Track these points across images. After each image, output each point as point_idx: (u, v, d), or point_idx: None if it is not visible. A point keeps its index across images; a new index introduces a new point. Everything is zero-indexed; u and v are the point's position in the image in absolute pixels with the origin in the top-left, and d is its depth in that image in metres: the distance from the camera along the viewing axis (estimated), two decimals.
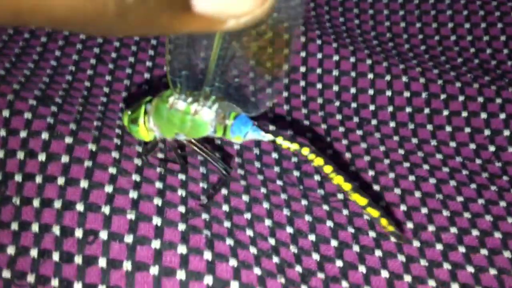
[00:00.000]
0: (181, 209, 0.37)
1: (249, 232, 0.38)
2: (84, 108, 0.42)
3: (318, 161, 0.33)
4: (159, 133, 0.31)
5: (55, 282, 0.33)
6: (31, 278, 0.33)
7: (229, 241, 0.36)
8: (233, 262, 0.35)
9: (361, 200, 0.34)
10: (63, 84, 0.45)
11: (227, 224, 0.37)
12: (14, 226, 0.35)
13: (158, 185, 0.38)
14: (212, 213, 0.38)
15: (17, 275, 0.34)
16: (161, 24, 0.13)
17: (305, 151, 0.32)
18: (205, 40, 0.28)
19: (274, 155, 0.44)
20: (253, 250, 0.36)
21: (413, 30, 0.56)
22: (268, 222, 0.39)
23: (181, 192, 0.38)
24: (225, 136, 0.31)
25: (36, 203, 0.35)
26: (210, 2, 0.12)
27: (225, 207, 0.38)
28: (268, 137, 0.32)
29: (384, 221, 0.35)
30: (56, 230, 0.34)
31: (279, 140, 0.32)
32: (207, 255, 0.34)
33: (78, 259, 0.34)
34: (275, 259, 0.37)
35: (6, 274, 0.34)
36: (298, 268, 0.37)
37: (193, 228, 0.36)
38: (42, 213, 0.35)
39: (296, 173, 0.43)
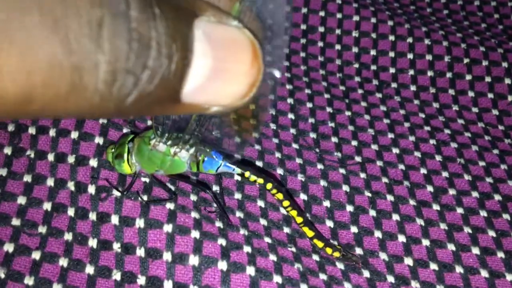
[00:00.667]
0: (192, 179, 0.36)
1: (260, 203, 0.37)
2: None
3: (279, 196, 0.35)
4: (140, 168, 0.34)
5: (68, 235, 0.32)
6: (42, 229, 0.33)
7: (239, 214, 0.35)
8: (243, 231, 0.34)
9: (309, 232, 0.35)
10: None
11: (237, 195, 0.37)
12: (27, 178, 0.34)
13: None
14: (223, 183, 0.37)
15: (27, 224, 0.33)
16: (155, 112, 0.15)
17: (269, 186, 0.35)
18: None
19: (291, 116, 0.43)
20: (263, 222, 0.36)
21: None
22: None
23: None
24: (199, 170, 0.34)
25: (51, 157, 0.34)
26: (198, 98, 0.14)
27: (237, 177, 0.37)
28: (237, 170, 0.35)
29: (329, 250, 0.35)
30: (71, 185, 0.34)
31: (247, 173, 0.35)
32: (219, 224, 0.34)
33: (92, 216, 0.33)
34: (286, 230, 0.36)
35: (16, 222, 0.33)
36: None
37: (204, 200, 0.35)
38: (57, 168, 0.34)
39: (312, 135, 0.42)
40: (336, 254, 0.35)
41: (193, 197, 0.35)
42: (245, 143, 0.30)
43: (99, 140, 0.35)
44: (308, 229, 0.35)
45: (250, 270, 0.31)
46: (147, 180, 0.34)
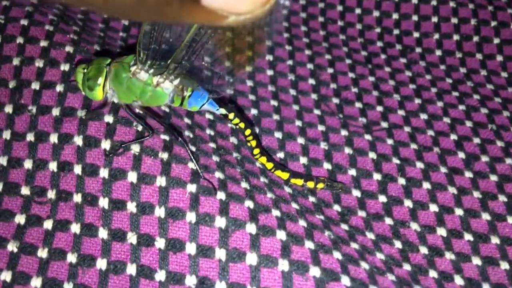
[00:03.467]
0: (213, 145, 0.34)
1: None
2: (106, 34, 0.39)
3: (253, 142, 0.35)
4: (115, 97, 0.31)
5: (77, 197, 0.30)
6: (51, 195, 0.30)
7: (263, 179, 0.33)
8: (270, 195, 0.31)
9: (284, 175, 0.34)
10: (79, 14, 0.41)
11: (259, 163, 0.35)
12: (30, 137, 0.31)
13: (187, 120, 0.35)
14: (243, 152, 0.35)
15: (36, 192, 0.30)
16: (171, 12, 0.14)
17: (247, 132, 0.35)
18: None
19: (311, 81, 0.41)
20: (288, 189, 0.34)
21: None
22: (303, 160, 0.36)
23: (209, 132, 0.35)
24: (182, 106, 0.32)
25: (55, 112, 0.32)
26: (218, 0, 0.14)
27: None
28: (221, 111, 0.33)
29: (311, 184, 0.34)
30: (78, 140, 0.31)
31: (231, 115, 0.34)
32: (244, 185, 0.31)
33: (103, 173, 0.30)
34: (312, 199, 0.34)
35: (25, 191, 0.30)
36: (337, 207, 0.34)
37: (227, 162, 0.33)
38: (62, 123, 0.31)
39: (335, 101, 0.40)
40: (320, 185, 0.34)
41: (216, 158, 0.32)
42: (236, 76, 0.28)
43: None
44: (281, 171, 0.34)
45: (281, 235, 0.29)
46: (167, 137, 0.32)
